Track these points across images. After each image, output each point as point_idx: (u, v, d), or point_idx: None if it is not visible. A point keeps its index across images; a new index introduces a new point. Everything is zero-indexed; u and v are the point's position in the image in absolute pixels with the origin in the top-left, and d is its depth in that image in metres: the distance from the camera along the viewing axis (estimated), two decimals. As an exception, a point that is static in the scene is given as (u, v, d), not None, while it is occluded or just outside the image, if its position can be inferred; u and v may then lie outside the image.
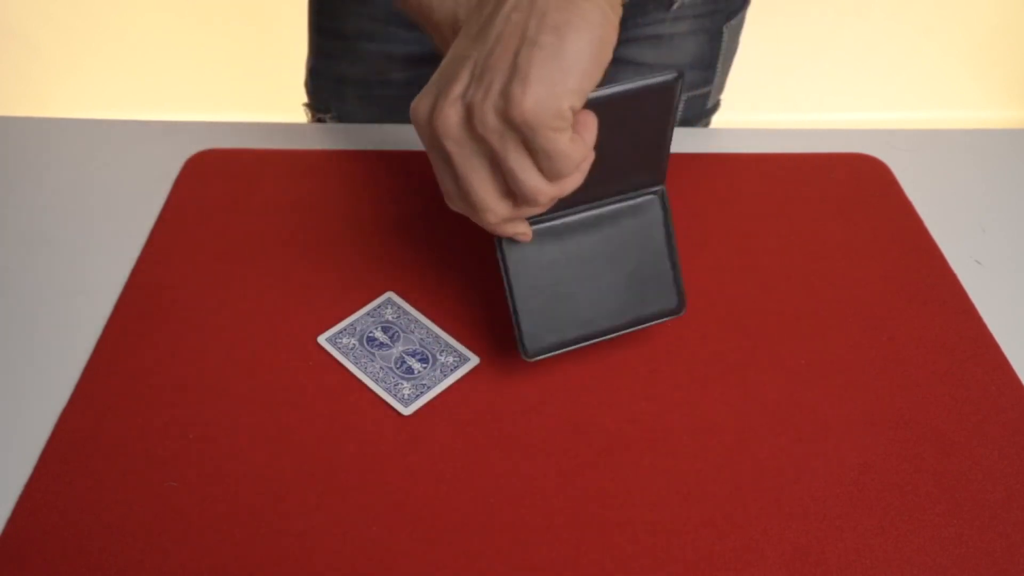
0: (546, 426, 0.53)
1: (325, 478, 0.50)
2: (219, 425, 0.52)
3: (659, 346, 0.58)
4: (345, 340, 0.57)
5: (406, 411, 0.53)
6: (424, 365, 0.56)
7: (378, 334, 0.57)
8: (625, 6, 0.73)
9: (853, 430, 0.53)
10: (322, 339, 0.57)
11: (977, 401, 0.55)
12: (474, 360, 0.56)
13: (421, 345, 0.57)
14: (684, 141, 0.78)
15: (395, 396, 0.54)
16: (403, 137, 0.77)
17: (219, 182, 0.71)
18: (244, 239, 0.65)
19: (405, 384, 0.54)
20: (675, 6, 0.78)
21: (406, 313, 0.59)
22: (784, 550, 0.47)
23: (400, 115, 0.84)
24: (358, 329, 0.58)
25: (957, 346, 0.59)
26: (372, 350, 0.56)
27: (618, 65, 0.83)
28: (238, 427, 0.52)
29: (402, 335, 0.57)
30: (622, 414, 0.54)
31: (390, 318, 0.59)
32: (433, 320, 0.59)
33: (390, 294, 0.60)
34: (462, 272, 0.63)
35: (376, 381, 0.55)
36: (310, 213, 0.68)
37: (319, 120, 0.88)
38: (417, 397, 0.54)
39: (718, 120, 0.91)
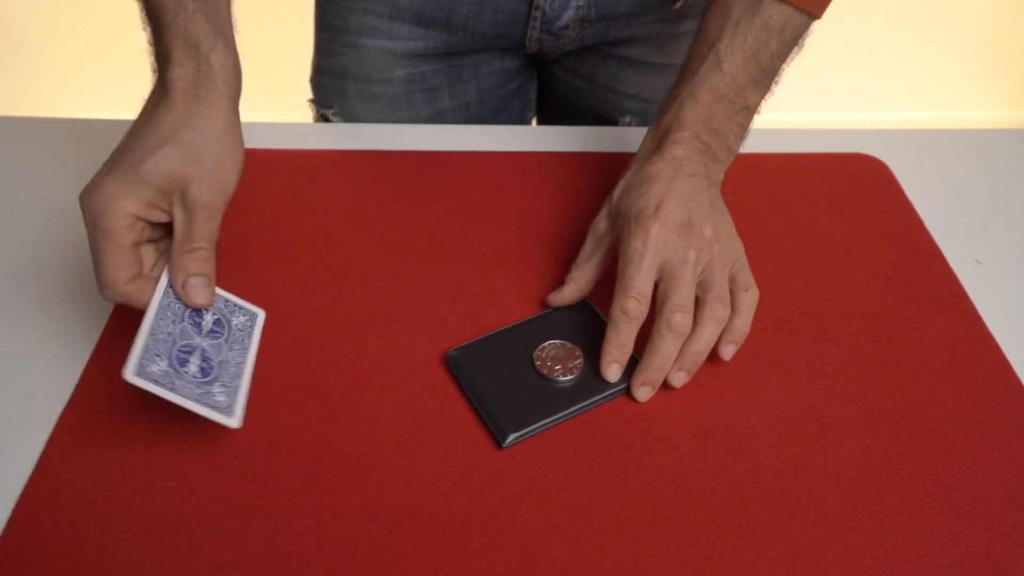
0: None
1: (325, 478, 0.50)
2: (219, 425, 0.52)
3: (659, 346, 0.58)
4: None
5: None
6: (216, 338, 0.51)
7: (206, 319, 0.52)
8: (630, 5, 0.76)
9: (853, 430, 0.53)
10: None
11: (977, 401, 0.55)
12: (261, 314, 0.53)
13: (214, 312, 0.53)
14: (684, 141, 0.78)
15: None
16: (403, 137, 0.77)
17: (219, 182, 0.70)
18: (243, 239, 0.65)
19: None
20: (678, 5, 0.78)
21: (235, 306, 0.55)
22: (784, 550, 0.47)
23: (400, 112, 0.84)
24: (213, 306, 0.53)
25: (957, 346, 0.59)
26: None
27: (623, 64, 0.83)
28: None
29: (222, 337, 0.52)
30: (622, 414, 0.54)
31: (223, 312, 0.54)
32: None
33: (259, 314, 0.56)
34: (463, 272, 0.63)
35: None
36: (310, 213, 0.68)
37: (323, 117, 0.88)
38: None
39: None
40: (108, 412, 0.53)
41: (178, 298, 0.51)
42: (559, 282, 0.61)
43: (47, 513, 0.48)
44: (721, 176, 0.60)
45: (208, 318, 0.53)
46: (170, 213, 0.50)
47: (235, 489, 0.49)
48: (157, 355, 0.48)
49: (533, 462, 0.51)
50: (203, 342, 0.51)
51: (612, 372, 0.55)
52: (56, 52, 1.95)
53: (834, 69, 1.94)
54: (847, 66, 1.97)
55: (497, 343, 0.57)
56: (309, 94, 0.89)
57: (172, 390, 0.47)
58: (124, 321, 0.59)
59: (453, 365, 0.56)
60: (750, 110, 0.61)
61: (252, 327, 0.55)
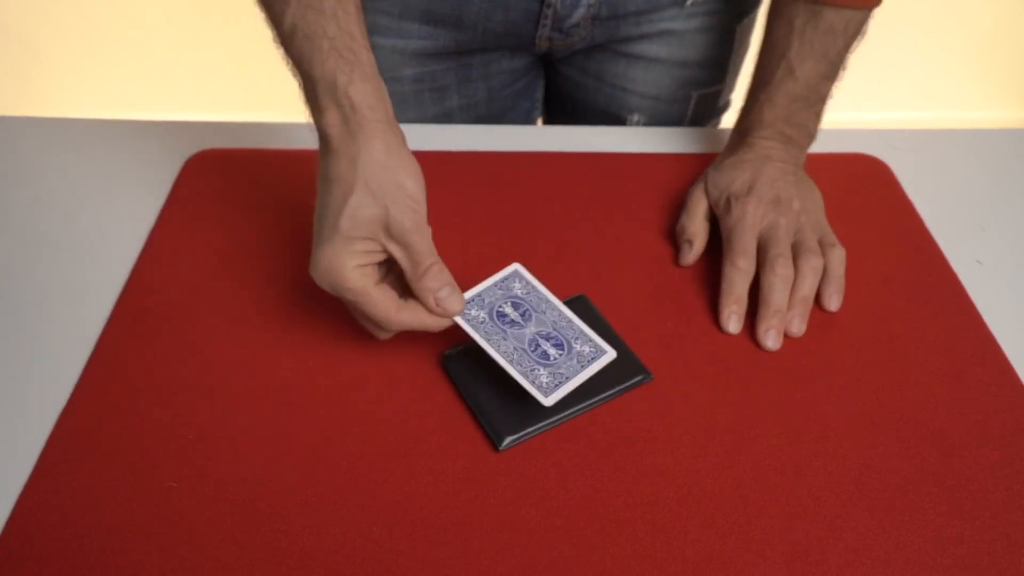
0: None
1: (325, 478, 0.50)
2: (219, 425, 0.52)
3: (659, 346, 0.58)
4: (475, 312, 0.53)
5: (547, 401, 0.49)
6: (560, 352, 0.52)
7: (508, 310, 0.53)
8: (640, 2, 0.76)
9: (853, 430, 0.53)
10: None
11: (978, 401, 0.55)
12: (611, 354, 0.52)
13: (555, 328, 0.53)
14: (692, 141, 0.78)
15: (534, 383, 0.50)
16: (409, 137, 0.77)
17: (219, 182, 0.71)
18: (244, 239, 0.65)
19: (542, 371, 0.51)
20: (688, 2, 0.78)
21: (535, 290, 0.55)
22: (784, 550, 0.47)
23: (409, 111, 0.84)
24: (487, 301, 0.54)
25: (958, 346, 0.59)
26: (504, 327, 0.52)
27: (632, 61, 0.83)
28: (238, 427, 0.52)
29: (534, 315, 0.53)
30: (622, 414, 0.54)
31: (519, 293, 0.54)
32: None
33: (517, 266, 0.56)
34: (466, 272, 0.63)
35: (512, 363, 0.51)
36: (309, 213, 0.67)
37: None
38: (557, 387, 0.50)
39: (727, 120, 0.91)
40: (108, 412, 0.53)
41: (480, 324, 0.53)
42: (564, 281, 0.61)
43: (47, 513, 0.48)
44: (804, 158, 0.68)
45: (509, 311, 0.54)
46: (386, 251, 0.51)
47: (235, 489, 0.49)
48: (532, 370, 0.51)
49: (533, 462, 0.51)
50: (530, 329, 0.53)
51: (732, 324, 0.59)
52: (56, 52, 1.95)
53: (834, 69, 1.93)
54: (848, 66, 1.97)
55: None
56: None
57: (570, 378, 0.51)
58: (124, 322, 0.59)
59: (449, 366, 0.56)
60: (824, 99, 0.68)
61: (530, 283, 0.55)
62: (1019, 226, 0.70)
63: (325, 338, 0.58)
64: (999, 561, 0.47)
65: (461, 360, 0.56)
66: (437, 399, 0.54)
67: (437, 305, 0.51)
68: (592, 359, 0.52)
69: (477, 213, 0.68)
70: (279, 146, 0.74)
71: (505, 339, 0.52)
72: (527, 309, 0.54)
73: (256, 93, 1.83)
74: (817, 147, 0.69)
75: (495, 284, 0.55)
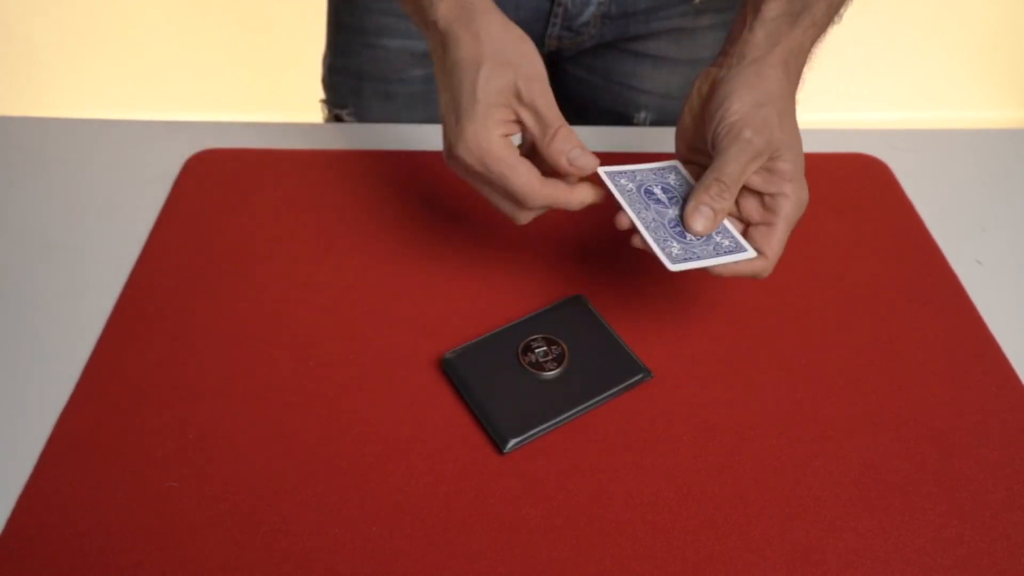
0: (546, 426, 0.53)
1: (324, 478, 0.50)
2: (219, 425, 0.52)
3: (659, 346, 0.58)
4: (624, 182, 0.54)
5: (672, 267, 0.49)
6: (698, 238, 0.52)
7: (657, 191, 0.54)
8: (650, 0, 0.74)
9: (853, 430, 0.53)
10: (602, 171, 0.54)
11: (977, 401, 0.55)
12: (750, 252, 0.51)
13: None
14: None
15: (663, 250, 0.50)
16: (413, 137, 0.77)
17: (219, 182, 0.71)
18: (243, 239, 0.65)
19: (675, 243, 0.51)
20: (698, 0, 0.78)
21: (690, 184, 0.55)
22: (784, 550, 0.47)
23: (417, 112, 0.84)
24: (638, 178, 0.54)
25: (957, 346, 0.59)
26: (649, 202, 0.53)
27: (640, 60, 0.83)
28: (238, 427, 0.52)
29: (681, 203, 0.53)
30: (622, 414, 0.54)
31: (672, 183, 0.55)
32: None
33: (676, 163, 0.57)
34: (470, 272, 0.63)
35: (647, 228, 0.51)
36: (310, 213, 0.68)
37: (336, 117, 0.88)
38: (686, 260, 0.50)
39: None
40: (108, 412, 0.53)
41: (627, 191, 0.53)
42: (565, 280, 0.61)
43: (47, 513, 0.48)
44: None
45: (658, 192, 0.54)
46: (518, 120, 0.52)
47: (235, 489, 0.49)
48: (665, 240, 0.51)
49: (533, 462, 0.51)
50: (674, 211, 0.53)
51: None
52: (56, 52, 1.95)
53: (835, 69, 1.93)
54: (847, 66, 1.97)
55: (492, 344, 0.57)
56: (319, 94, 0.89)
57: (702, 259, 0.50)
58: (124, 322, 0.59)
59: (449, 368, 0.55)
60: (819, 24, 0.60)
61: (687, 180, 0.55)
62: (1019, 226, 0.70)
63: (325, 338, 0.58)
64: (999, 561, 0.47)
65: (461, 363, 0.56)
66: (436, 401, 0.54)
67: (570, 164, 0.51)
68: (729, 251, 0.51)
69: (481, 212, 0.68)
70: (279, 146, 0.74)
71: (647, 209, 0.52)
72: (676, 197, 0.54)
73: (256, 93, 1.83)
74: (817, 147, 0.69)
75: (651, 168, 0.55)
